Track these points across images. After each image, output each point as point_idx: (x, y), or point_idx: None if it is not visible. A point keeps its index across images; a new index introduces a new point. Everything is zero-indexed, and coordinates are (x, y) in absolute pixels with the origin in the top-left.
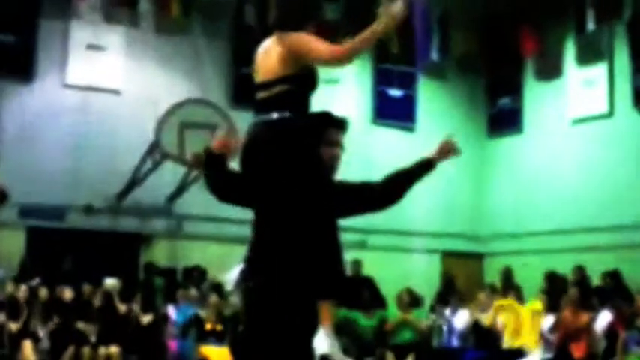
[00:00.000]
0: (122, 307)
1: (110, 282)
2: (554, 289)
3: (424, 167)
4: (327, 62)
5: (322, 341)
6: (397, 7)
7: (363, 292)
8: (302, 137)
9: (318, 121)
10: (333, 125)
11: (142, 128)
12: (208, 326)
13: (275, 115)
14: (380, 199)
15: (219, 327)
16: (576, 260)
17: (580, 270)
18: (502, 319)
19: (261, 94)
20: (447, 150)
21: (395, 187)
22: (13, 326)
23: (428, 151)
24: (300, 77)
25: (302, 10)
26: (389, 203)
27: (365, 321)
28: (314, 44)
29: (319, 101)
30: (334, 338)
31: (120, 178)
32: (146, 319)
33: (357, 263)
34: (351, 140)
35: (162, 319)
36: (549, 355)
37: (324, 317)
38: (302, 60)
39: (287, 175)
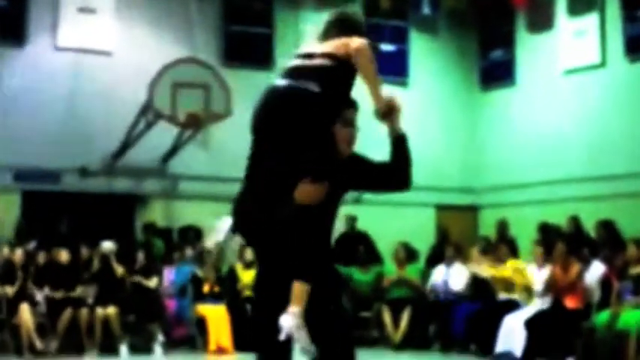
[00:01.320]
0: (119, 270)
1: (107, 245)
2: (549, 240)
3: (401, 142)
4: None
5: (288, 321)
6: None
7: (359, 247)
8: (323, 116)
9: (338, 101)
10: (349, 105)
11: (135, 89)
12: (206, 288)
13: (308, 85)
14: (394, 181)
15: (216, 289)
16: (571, 210)
17: (574, 220)
18: (498, 274)
19: (298, 62)
20: (391, 110)
21: (400, 172)
22: (10, 290)
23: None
24: (345, 62)
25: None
26: (403, 186)
27: (361, 276)
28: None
29: None
30: (302, 324)
31: (114, 140)
32: (152, 282)
33: (351, 219)
34: None
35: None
36: (544, 307)
37: (296, 298)
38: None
39: (300, 144)
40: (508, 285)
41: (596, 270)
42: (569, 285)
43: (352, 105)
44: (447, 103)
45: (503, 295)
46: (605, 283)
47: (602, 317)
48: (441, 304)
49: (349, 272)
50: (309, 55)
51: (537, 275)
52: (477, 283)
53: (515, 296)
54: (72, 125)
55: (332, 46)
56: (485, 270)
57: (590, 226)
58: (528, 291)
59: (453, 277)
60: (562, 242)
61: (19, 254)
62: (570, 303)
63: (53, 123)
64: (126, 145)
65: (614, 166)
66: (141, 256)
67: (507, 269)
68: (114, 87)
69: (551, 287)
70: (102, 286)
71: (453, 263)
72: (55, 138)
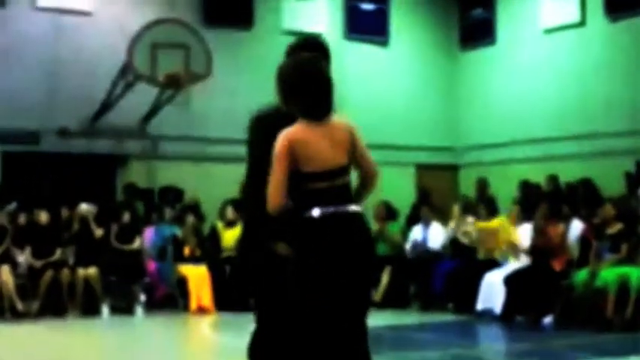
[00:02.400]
0: (98, 232)
1: (85, 207)
2: (528, 199)
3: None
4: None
5: None
6: None
7: None
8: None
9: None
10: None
11: (114, 49)
12: (187, 251)
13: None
14: None
15: (198, 252)
16: (550, 169)
17: (553, 179)
18: (479, 234)
19: (338, 181)
20: None
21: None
22: None
23: (401, 64)
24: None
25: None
26: None
27: None
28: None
29: (292, 18)
30: None
31: (94, 101)
32: (133, 245)
33: None
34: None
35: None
36: (523, 265)
37: None
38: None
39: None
40: (490, 241)
41: (575, 228)
42: (553, 245)
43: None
44: (427, 62)
45: (483, 255)
46: (583, 241)
47: (580, 275)
48: (420, 262)
49: None
50: (343, 170)
51: (518, 233)
52: (456, 241)
53: (497, 255)
54: (51, 86)
55: (345, 152)
56: (470, 225)
57: (568, 184)
58: (512, 247)
59: (431, 236)
60: (545, 203)
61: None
62: (557, 265)
63: (33, 84)
64: (106, 106)
65: (593, 125)
66: (127, 217)
67: (494, 222)
68: (93, 47)
69: (535, 248)
70: (81, 247)
71: (430, 223)
72: (34, 99)
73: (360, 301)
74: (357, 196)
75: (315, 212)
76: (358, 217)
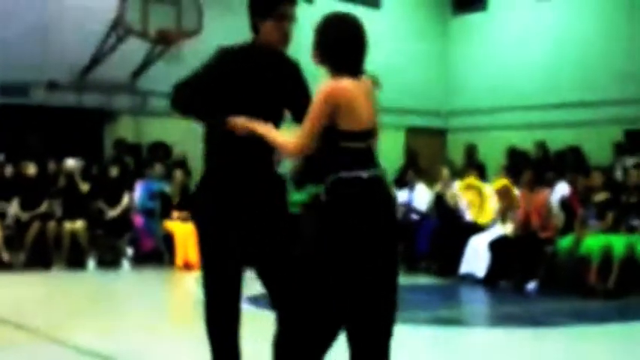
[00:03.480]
0: (84, 187)
1: (71, 162)
2: (516, 165)
3: None
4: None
5: None
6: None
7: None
8: None
9: None
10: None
11: (106, 2)
12: (175, 215)
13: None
14: None
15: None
16: (539, 136)
17: (541, 145)
18: (466, 198)
19: (372, 142)
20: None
21: None
22: None
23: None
24: None
25: None
26: None
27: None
28: None
29: None
30: None
31: (84, 54)
32: (121, 205)
33: None
34: (315, 20)
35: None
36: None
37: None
38: None
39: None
40: (480, 207)
41: (560, 191)
42: (536, 211)
43: None
44: (418, 26)
45: (469, 218)
46: (568, 208)
47: (565, 242)
48: (405, 224)
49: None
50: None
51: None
52: (442, 205)
53: (485, 220)
54: (41, 38)
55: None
56: (455, 194)
57: (557, 152)
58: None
59: (416, 199)
60: (529, 170)
61: None
62: (543, 232)
63: (22, 36)
64: (96, 60)
65: (583, 94)
66: (114, 171)
67: (495, 185)
68: (85, 1)
69: (519, 211)
70: (68, 201)
71: (414, 186)
72: (23, 51)
73: (395, 266)
74: None
75: (364, 174)
76: (386, 182)
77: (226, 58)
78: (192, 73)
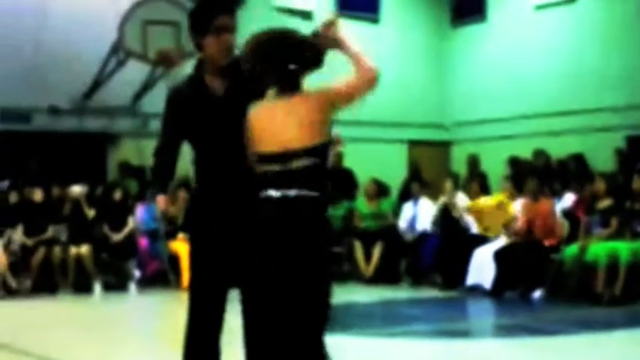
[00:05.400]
0: (90, 213)
1: (76, 189)
2: (519, 175)
3: None
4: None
5: None
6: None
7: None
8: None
9: (203, 9)
10: (221, 10)
11: (105, 27)
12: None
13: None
14: None
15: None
16: (542, 145)
17: (540, 153)
18: (472, 215)
19: (295, 164)
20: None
21: None
22: None
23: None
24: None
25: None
26: None
27: (331, 211)
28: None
29: None
30: None
31: (85, 78)
32: (125, 230)
33: (336, 155)
34: None
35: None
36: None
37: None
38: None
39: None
40: (489, 219)
41: (567, 200)
42: (541, 220)
43: (226, 8)
44: (418, 39)
45: (475, 230)
46: (573, 216)
47: (570, 250)
48: (412, 237)
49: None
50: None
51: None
52: (446, 215)
53: (491, 234)
54: (41, 64)
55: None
56: (462, 201)
57: (560, 161)
58: (508, 227)
59: (420, 213)
60: (533, 179)
61: None
62: (547, 241)
63: (22, 62)
64: (97, 84)
65: (584, 101)
66: (117, 195)
67: (491, 201)
68: (84, 24)
69: (523, 220)
70: (73, 226)
71: (419, 199)
72: (24, 77)
73: (295, 297)
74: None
75: (262, 195)
76: (304, 202)
77: (178, 98)
78: (160, 131)
